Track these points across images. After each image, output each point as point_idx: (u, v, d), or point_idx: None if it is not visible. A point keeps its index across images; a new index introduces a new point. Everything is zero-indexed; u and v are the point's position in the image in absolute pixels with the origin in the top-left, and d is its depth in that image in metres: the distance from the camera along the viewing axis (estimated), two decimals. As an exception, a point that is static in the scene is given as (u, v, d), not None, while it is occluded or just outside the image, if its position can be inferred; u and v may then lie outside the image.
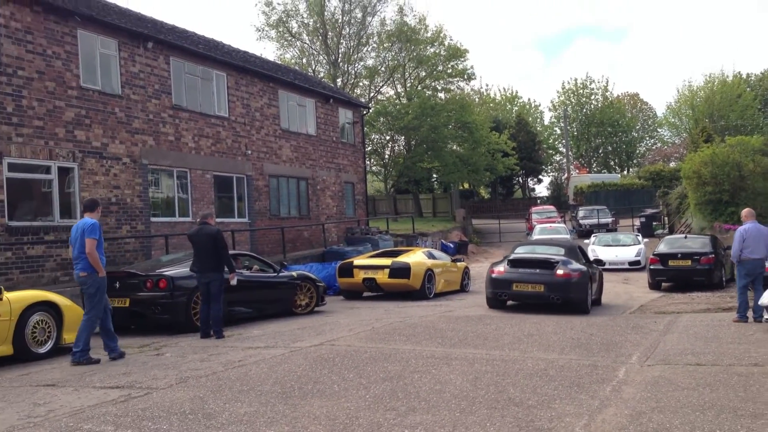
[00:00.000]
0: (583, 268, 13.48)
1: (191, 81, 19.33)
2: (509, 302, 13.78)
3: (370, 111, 37.22)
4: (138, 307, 11.04)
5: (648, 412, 5.54)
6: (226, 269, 10.65)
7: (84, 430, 5.34)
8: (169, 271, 11.26)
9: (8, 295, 8.80)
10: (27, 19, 14.51)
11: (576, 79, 70.30)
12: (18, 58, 14.28)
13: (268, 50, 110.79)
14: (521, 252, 14.66)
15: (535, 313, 12.54)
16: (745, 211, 11.96)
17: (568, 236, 28.20)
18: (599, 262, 24.76)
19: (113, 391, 6.73)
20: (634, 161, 71.98)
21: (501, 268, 13.52)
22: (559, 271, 12.91)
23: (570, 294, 12.85)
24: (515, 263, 13.55)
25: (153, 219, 17.55)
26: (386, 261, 16.43)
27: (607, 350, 8.66)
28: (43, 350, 8.94)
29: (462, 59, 41.74)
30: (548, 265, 13.17)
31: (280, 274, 13.46)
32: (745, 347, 8.65)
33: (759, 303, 10.63)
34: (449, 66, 41.84)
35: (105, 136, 16.23)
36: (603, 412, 5.62)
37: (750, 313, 11.25)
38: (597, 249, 25.82)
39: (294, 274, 13.87)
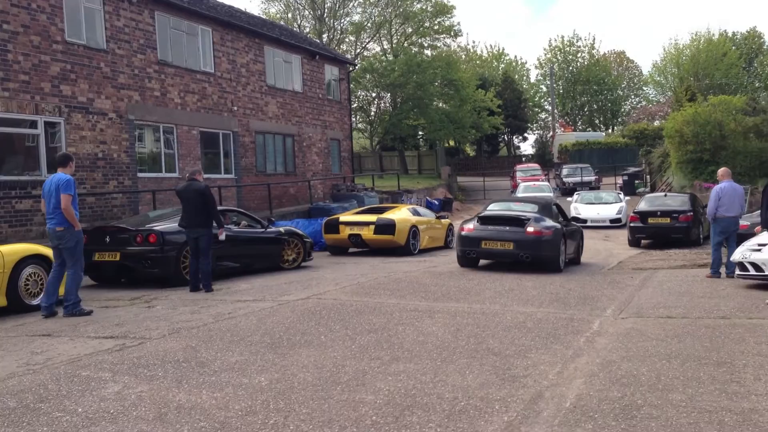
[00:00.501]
0: (556, 225, 13.02)
1: (176, 36, 19.22)
2: (482, 261, 13.55)
3: (357, 68, 37.08)
4: (128, 261, 11.23)
5: (618, 361, 5.88)
6: (214, 224, 10.85)
7: (82, 376, 5.60)
8: (159, 226, 11.44)
9: (1, 249, 8.97)
10: (9, -29, 14.33)
11: (563, 37, 70.29)
12: (2, 11, 14.16)
13: (254, 4, 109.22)
14: (493, 209, 14.26)
15: (516, 269, 12.88)
16: (721, 171, 12.28)
17: (551, 194, 28.59)
18: (580, 220, 25.25)
19: (108, 341, 6.98)
20: (619, 120, 72.25)
21: (470, 226, 13.06)
22: (530, 229, 12.47)
23: (540, 252, 12.49)
24: (485, 220, 13.10)
25: (140, 174, 17.64)
26: (371, 217, 16.67)
27: (583, 304, 9.01)
28: (35, 302, 9.13)
29: (449, 15, 41.57)
30: (518, 222, 12.73)
31: (268, 229, 13.61)
32: (715, 301, 9.03)
33: (731, 259, 11.00)
34: (436, 22, 41.65)
35: (91, 91, 16.20)
36: (576, 360, 5.95)
37: (723, 269, 11.66)
38: (579, 207, 26.24)
39: (281, 229, 14.07)
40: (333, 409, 4.63)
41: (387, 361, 5.96)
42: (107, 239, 11.37)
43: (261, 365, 5.85)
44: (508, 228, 12.69)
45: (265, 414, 4.56)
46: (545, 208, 13.85)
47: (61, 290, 8.86)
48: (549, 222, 12.97)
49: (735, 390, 4.98)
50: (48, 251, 9.50)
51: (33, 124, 14.85)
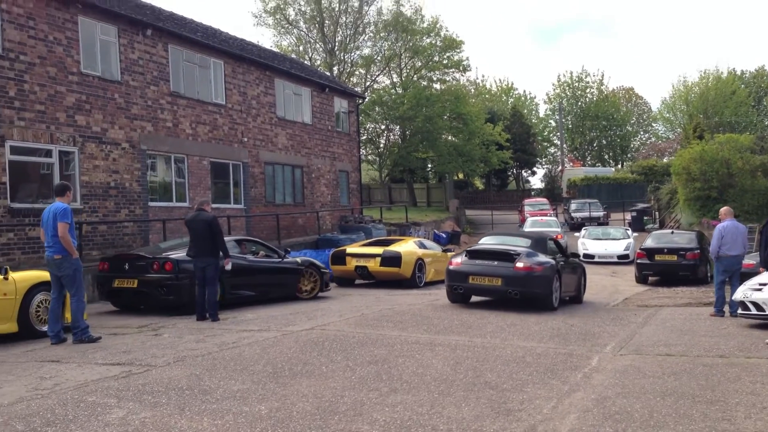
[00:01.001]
0: (549, 261, 12.41)
1: (189, 68, 19.64)
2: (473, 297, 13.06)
3: (366, 100, 37.55)
4: (145, 288, 11.61)
5: (613, 397, 5.97)
6: (221, 254, 11.05)
7: (89, 402, 5.75)
8: (175, 255, 11.71)
9: (13, 275, 9.17)
10: (29, 5, 14.78)
11: (571, 72, 70.88)
12: (20, 43, 14.57)
13: (266, 37, 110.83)
14: (484, 243, 13.89)
15: (519, 305, 12.96)
16: (723, 210, 12.41)
17: (558, 229, 28.64)
18: (588, 255, 25.31)
19: (114, 368, 7.13)
20: (629, 155, 72.49)
21: (458, 260, 12.61)
22: (519, 264, 11.90)
23: (530, 288, 11.90)
24: (474, 254, 12.62)
25: (151, 203, 17.91)
26: (378, 250, 16.83)
27: (584, 340, 9.10)
28: (45, 328, 9.30)
29: (457, 50, 42.09)
30: (507, 257, 12.18)
31: (285, 260, 13.84)
32: (716, 340, 9.10)
33: (733, 298, 11.07)
34: (445, 57, 42.16)
35: (105, 122, 16.56)
36: (571, 396, 6.05)
37: (726, 308, 11.71)
38: (587, 242, 26.33)
39: (298, 260, 14.30)
40: (330, 439, 4.75)
41: (385, 392, 6.07)
42: (126, 267, 11.82)
43: (262, 394, 5.98)
44: (496, 263, 12.18)
45: (263, 442, 4.69)
46: (539, 242, 13.40)
47: (69, 317, 9.03)
48: (541, 257, 12.42)
49: (725, 428, 5.07)
50: (58, 278, 9.67)
51: (48, 153, 15.18)
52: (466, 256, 12.70)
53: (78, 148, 15.79)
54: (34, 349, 8.49)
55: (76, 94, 15.82)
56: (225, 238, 12.23)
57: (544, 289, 12.03)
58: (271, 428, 4.99)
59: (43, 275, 9.62)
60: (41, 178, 15.23)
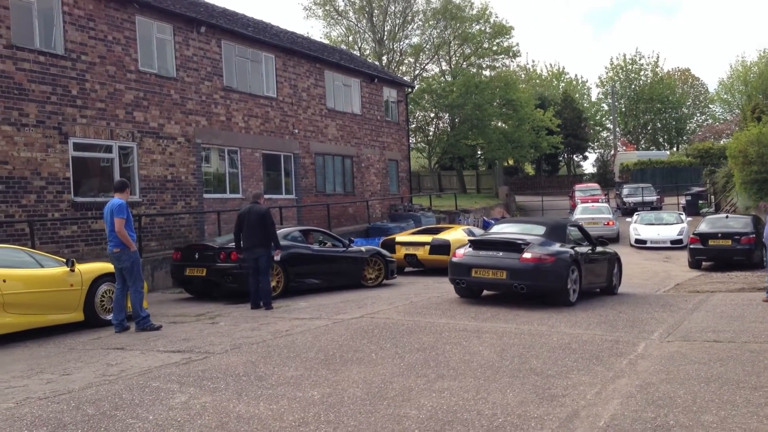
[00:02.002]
0: (562, 251, 11.13)
1: (241, 63, 20.10)
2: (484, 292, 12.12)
3: (415, 89, 37.63)
4: (213, 276, 12.34)
5: (657, 383, 6.06)
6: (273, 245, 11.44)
7: (153, 387, 6.13)
8: None
9: (79, 267, 9.69)
10: (89, 7, 15.38)
11: (625, 55, 69.50)
12: (81, 43, 15.19)
13: (315, 28, 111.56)
14: (495, 232, 12.60)
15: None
16: (778, 195, 12.19)
17: (610, 215, 28.29)
18: (640, 240, 24.99)
19: (175, 355, 7.53)
20: (684, 138, 70.74)
21: (462, 251, 11.59)
22: (527, 255, 10.77)
23: (539, 282, 10.72)
24: (478, 245, 11.52)
25: (205, 195, 18.48)
26: (427, 238, 17.03)
27: (631, 326, 9.13)
28: (110, 317, 9.81)
29: (507, 36, 41.81)
30: (514, 247, 11.03)
31: (349, 248, 14.33)
32: (766, 326, 9.02)
33: (787, 284, 10.90)
34: (494, 43, 41.94)
35: (161, 117, 17.13)
36: (615, 382, 6.16)
37: (780, 294, 11.53)
38: (639, 227, 26.02)
39: (363, 249, 14.80)
40: (378, 423, 5.00)
41: (432, 378, 6.29)
42: (196, 256, 12.61)
43: (314, 380, 6.26)
44: (501, 254, 11.05)
45: (316, 425, 4.97)
46: (555, 230, 12.01)
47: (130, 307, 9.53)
48: (554, 247, 11.19)
49: (767, 413, 5.12)
50: (121, 270, 10.18)
51: (108, 149, 15.81)
52: (470, 246, 11.64)
53: (136, 143, 16.40)
54: (99, 337, 8.99)
55: (134, 91, 16.41)
56: (293, 228, 13.02)
57: (555, 282, 10.80)
58: (323, 413, 5.26)
59: (107, 267, 10.14)
60: (102, 173, 15.89)
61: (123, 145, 16.11)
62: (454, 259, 11.48)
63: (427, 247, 16.69)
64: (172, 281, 13.86)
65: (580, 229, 12.97)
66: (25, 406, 5.59)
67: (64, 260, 9.75)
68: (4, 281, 8.62)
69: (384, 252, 15.16)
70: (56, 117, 14.51)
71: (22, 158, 13.80)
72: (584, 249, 12.04)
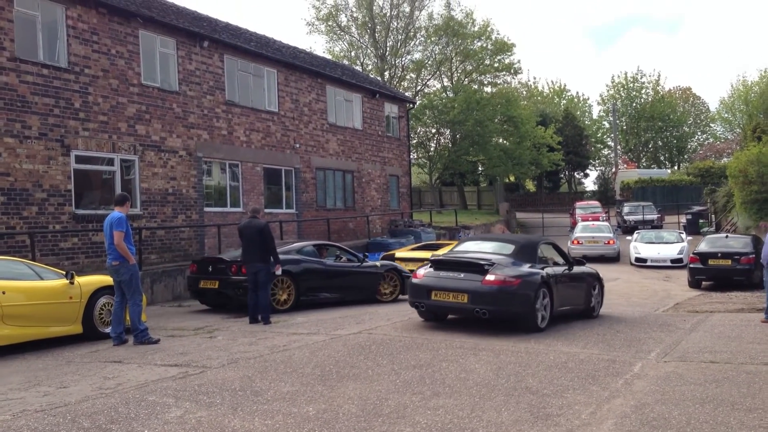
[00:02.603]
0: (533, 271, 10.30)
1: (243, 77, 20.24)
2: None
3: (416, 105, 37.82)
4: (225, 289, 12.56)
5: (652, 404, 6.07)
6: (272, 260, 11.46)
7: (149, 401, 6.14)
8: None
9: (78, 280, 9.72)
10: (93, 21, 15.52)
11: (626, 73, 69.79)
12: (85, 57, 15.31)
13: (318, 44, 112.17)
14: (459, 250, 11.53)
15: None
16: (776, 215, 12.22)
17: (611, 234, 28.27)
18: (640, 259, 24.98)
19: (172, 369, 7.55)
20: (685, 156, 70.89)
21: (422, 271, 10.62)
22: (490, 277, 9.81)
23: (502, 306, 9.78)
24: (440, 265, 10.54)
25: (206, 209, 18.54)
26: (426, 254, 17.01)
27: (629, 346, 9.14)
28: (109, 330, 9.83)
29: (509, 53, 42.08)
30: (477, 268, 10.08)
31: (364, 263, 14.43)
32: (764, 347, 9.03)
33: (785, 305, 10.91)
34: (496, 60, 42.21)
35: (163, 131, 17.23)
36: (611, 402, 6.17)
37: (778, 315, 11.53)
38: (639, 246, 26.01)
39: (378, 264, 14.97)
40: (372, 439, 5.02)
41: (428, 395, 6.30)
42: (210, 269, 12.86)
43: (310, 396, 6.28)
44: (463, 275, 10.10)
45: (310, 441, 4.98)
46: (525, 249, 10.99)
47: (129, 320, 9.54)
48: (521, 268, 10.28)
49: (761, 436, 5.13)
50: (121, 283, 10.22)
51: (110, 162, 15.89)
52: (431, 266, 10.65)
53: (138, 157, 16.48)
54: (97, 350, 9.01)
55: (137, 104, 16.51)
56: (306, 243, 13.25)
57: (521, 306, 9.88)
58: (318, 429, 5.27)
59: (106, 279, 10.16)
60: (104, 185, 15.96)
61: (125, 158, 16.19)
62: (414, 281, 10.52)
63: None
64: (189, 293, 14.04)
65: (555, 247, 12.03)
66: (22, 419, 5.61)
67: (64, 273, 9.78)
68: (4, 293, 8.65)
69: (400, 267, 15.14)
70: (59, 129, 14.60)
71: (24, 170, 13.87)
72: (558, 269, 11.13)
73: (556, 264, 11.37)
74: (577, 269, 11.78)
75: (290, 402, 6.07)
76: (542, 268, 10.53)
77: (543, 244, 11.64)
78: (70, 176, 14.81)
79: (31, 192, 13.98)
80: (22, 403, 6.18)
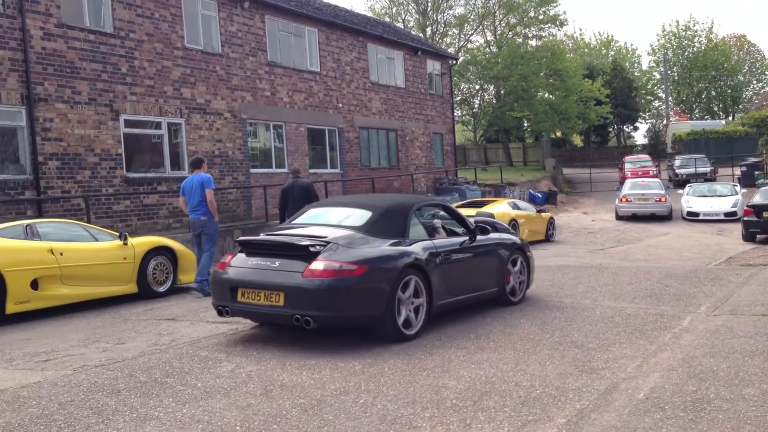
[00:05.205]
0: (388, 251, 6.89)
1: (285, 38, 20.23)
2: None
3: (459, 61, 37.28)
4: None
5: (699, 357, 6.02)
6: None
7: (201, 356, 6.36)
8: None
9: (131, 241, 10.03)
10: (136, -15, 15.65)
11: (678, 21, 67.16)
12: (129, 21, 15.49)
13: (359, 1, 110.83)
14: (297, 222, 7.95)
15: (616, 267, 12.83)
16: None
17: (662, 191, 27.40)
18: (692, 213, 24.41)
19: (223, 326, 7.77)
20: (740, 107, 68.46)
21: (230, 258, 7.25)
22: (316, 265, 6.48)
23: (336, 310, 6.43)
24: (250, 249, 7.14)
25: (252, 170, 18.78)
26: (471, 211, 16.96)
27: (677, 300, 9.03)
28: (162, 289, 10.17)
29: (554, 4, 40.98)
30: (299, 251, 6.70)
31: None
32: (819, 300, 8.82)
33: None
34: (540, 12, 41.16)
35: (208, 93, 17.42)
36: (657, 355, 6.14)
37: (835, 268, 11.22)
38: (691, 199, 25.41)
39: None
40: (417, 392, 5.11)
41: (472, 350, 6.37)
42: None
43: (357, 351, 6.40)
44: (278, 263, 6.73)
45: (356, 394, 5.10)
46: (387, 217, 7.45)
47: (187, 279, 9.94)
48: (370, 248, 6.84)
49: (812, 388, 5.06)
50: (171, 243, 10.55)
51: (157, 125, 16.17)
52: (241, 250, 7.24)
53: (184, 119, 16.73)
54: (152, 308, 9.32)
55: (182, 68, 16.69)
56: (429, 200, 12.79)
57: (367, 308, 6.58)
58: (364, 382, 5.39)
59: (159, 240, 10.47)
60: (153, 149, 16.27)
61: (172, 121, 16.45)
62: (217, 273, 7.24)
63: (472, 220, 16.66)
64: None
65: (447, 209, 8.70)
66: (82, 373, 5.88)
67: (117, 234, 10.10)
68: (62, 254, 8.98)
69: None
70: (107, 94, 14.89)
71: (75, 135, 14.23)
72: (447, 242, 7.83)
73: (453, 234, 8.25)
74: (482, 239, 8.38)
75: (337, 357, 6.20)
76: (411, 244, 7.18)
77: (422, 208, 8.28)
78: (120, 140, 15.14)
79: (83, 156, 14.35)
80: (82, 358, 6.47)
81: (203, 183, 10.24)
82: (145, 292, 9.99)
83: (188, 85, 16.86)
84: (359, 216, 7.46)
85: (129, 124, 15.43)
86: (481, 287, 8.27)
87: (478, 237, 8.32)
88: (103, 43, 14.87)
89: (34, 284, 8.64)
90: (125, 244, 9.85)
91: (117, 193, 14.83)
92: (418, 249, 7.16)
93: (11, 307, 8.38)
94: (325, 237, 6.88)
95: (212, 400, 5.04)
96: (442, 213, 8.72)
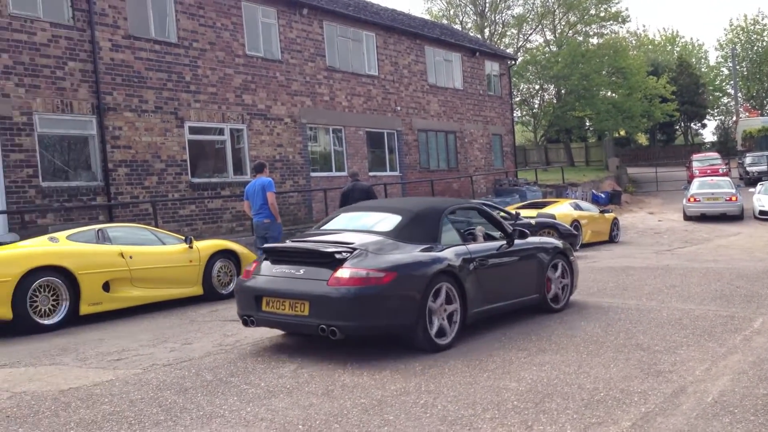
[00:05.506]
0: (419, 257, 6.58)
1: (343, 43, 20.44)
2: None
3: (518, 61, 36.91)
4: None
5: (772, 360, 5.81)
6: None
7: (265, 356, 6.48)
8: None
9: (197, 244, 10.30)
10: (199, -4, 16.09)
11: (746, 15, 64.81)
12: (192, 31, 15.93)
13: (416, 4, 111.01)
14: (326, 228, 7.62)
15: (685, 262, 12.48)
16: None
17: (733, 190, 26.28)
18: (764, 212, 23.50)
19: (285, 327, 7.89)
20: (816, 101, 65.52)
21: (253, 266, 7.13)
22: (342, 273, 6.25)
23: (364, 320, 6.18)
24: (275, 256, 6.90)
25: (312, 174, 19.03)
26: (532, 213, 16.78)
27: (748, 302, 8.72)
28: (226, 291, 10.40)
29: (615, 1, 40.18)
30: (325, 258, 6.48)
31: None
32: None
33: None
34: (601, 9, 40.44)
35: (268, 99, 17.74)
36: (727, 358, 5.95)
37: None
38: (763, 198, 24.45)
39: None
40: (478, 393, 5.09)
41: (534, 352, 6.30)
42: None
43: (417, 353, 6.41)
44: (303, 271, 6.53)
45: (417, 394, 5.12)
46: (418, 222, 7.10)
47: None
48: (399, 254, 6.54)
49: None
50: (235, 246, 10.78)
51: (220, 132, 16.57)
52: (266, 257, 7.03)
53: (246, 125, 17.09)
54: (217, 309, 9.55)
55: (243, 75, 17.06)
56: (462, 203, 12.81)
57: (396, 317, 6.31)
58: (425, 383, 5.41)
59: (223, 244, 10.71)
60: (216, 155, 16.67)
61: (234, 127, 16.83)
62: (241, 281, 7.09)
63: (533, 222, 16.45)
64: None
65: (483, 213, 8.18)
66: (152, 372, 6.07)
67: (183, 238, 10.39)
68: (131, 257, 9.30)
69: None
70: (172, 103, 15.34)
71: (143, 143, 14.71)
72: (484, 247, 7.48)
73: (490, 239, 7.89)
74: (521, 244, 7.97)
75: (398, 359, 6.23)
76: (443, 250, 6.85)
77: (457, 211, 7.99)
78: (185, 147, 15.57)
79: (150, 163, 14.82)
80: (151, 358, 6.68)
81: (265, 186, 10.64)
82: (210, 294, 10.24)
83: (249, 92, 17.21)
84: (389, 221, 7.14)
85: (193, 130, 15.86)
86: (520, 294, 7.87)
87: (516, 241, 7.89)
88: (167, 53, 15.33)
89: (106, 286, 8.98)
90: (191, 247, 10.12)
91: (183, 198, 15.25)
92: (450, 254, 6.82)
93: (84, 309, 8.72)
94: (352, 243, 6.62)
95: (275, 399, 5.14)
96: (477, 215, 8.33)
